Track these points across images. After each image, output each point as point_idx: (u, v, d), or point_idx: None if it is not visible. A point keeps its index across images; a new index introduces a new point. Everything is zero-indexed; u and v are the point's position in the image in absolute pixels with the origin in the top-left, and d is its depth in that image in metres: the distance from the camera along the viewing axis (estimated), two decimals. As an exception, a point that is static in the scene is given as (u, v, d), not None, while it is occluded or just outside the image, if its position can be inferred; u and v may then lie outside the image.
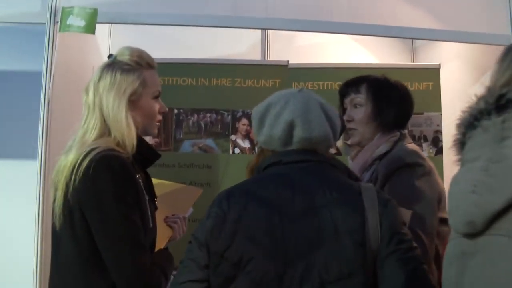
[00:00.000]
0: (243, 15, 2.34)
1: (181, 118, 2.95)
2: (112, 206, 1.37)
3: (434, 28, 2.47)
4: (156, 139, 2.83)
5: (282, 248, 1.21)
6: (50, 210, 1.48)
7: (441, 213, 1.68)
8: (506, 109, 0.98)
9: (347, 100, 1.83)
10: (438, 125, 2.95)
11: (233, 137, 2.94)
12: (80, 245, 1.40)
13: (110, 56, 1.59)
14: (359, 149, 1.81)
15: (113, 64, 1.54)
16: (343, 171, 1.35)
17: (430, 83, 2.98)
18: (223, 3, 2.36)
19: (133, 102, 1.52)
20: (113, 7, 2.28)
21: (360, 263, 1.18)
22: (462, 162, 1.04)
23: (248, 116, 2.90)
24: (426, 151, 2.91)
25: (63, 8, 2.17)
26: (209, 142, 2.94)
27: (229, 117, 2.95)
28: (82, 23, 2.13)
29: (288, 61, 2.99)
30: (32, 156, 2.20)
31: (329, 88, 2.90)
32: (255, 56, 3.34)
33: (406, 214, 1.30)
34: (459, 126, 1.07)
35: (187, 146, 2.94)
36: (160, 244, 1.57)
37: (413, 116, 1.90)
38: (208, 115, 2.96)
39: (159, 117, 1.62)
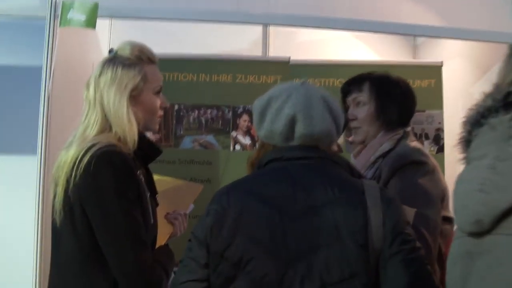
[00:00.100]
0: (245, 10, 2.32)
1: (181, 114, 2.94)
2: (113, 202, 1.37)
3: (436, 25, 2.45)
4: (157, 135, 2.81)
5: (282, 248, 1.19)
6: (50, 205, 1.47)
7: (444, 211, 1.67)
8: None
9: (349, 99, 1.82)
10: (439, 123, 2.94)
11: (233, 133, 2.92)
12: (81, 241, 1.39)
13: (111, 51, 1.58)
14: (362, 146, 1.81)
15: (114, 59, 1.53)
16: (346, 168, 1.32)
17: (432, 81, 2.96)
18: (224, -1, 2.35)
19: (134, 98, 1.51)
20: (114, 2, 2.26)
21: (362, 264, 1.16)
22: (468, 160, 1.03)
23: (249, 113, 2.89)
24: (427, 149, 2.89)
25: (63, 2, 2.15)
26: (210, 138, 2.93)
27: (230, 113, 2.94)
28: (82, 17, 2.11)
29: (289, 57, 2.98)
30: (32, 151, 2.18)
31: (331, 84, 2.89)
32: (256, 52, 3.32)
33: (409, 212, 1.29)
34: (464, 124, 1.06)
35: (187, 142, 2.93)
36: (160, 240, 1.57)
37: (414, 113, 1.89)
38: (209, 111, 2.94)
39: (161, 113, 1.61)
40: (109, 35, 3.20)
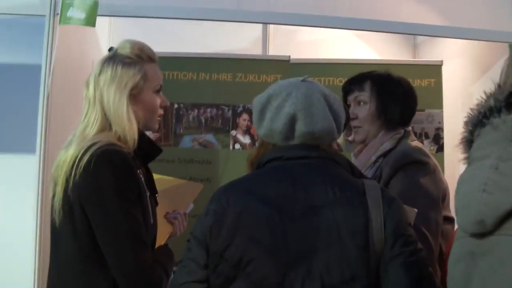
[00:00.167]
0: (246, 9, 2.32)
1: (181, 113, 2.94)
2: (113, 201, 1.36)
3: (436, 24, 2.45)
4: (156, 134, 2.80)
5: (283, 249, 1.17)
6: (49, 204, 1.46)
7: (445, 211, 1.67)
8: None
9: (350, 98, 1.82)
10: (439, 122, 2.94)
11: (233, 132, 2.92)
12: (80, 241, 1.39)
13: (110, 49, 1.57)
14: (363, 146, 1.80)
15: (113, 58, 1.52)
16: (346, 167, 1.30)
17: (432, 80, 2.96)
18: (225, -3, 2.34)
19: (134, 96, 1.50)
20: (113, 0, 2.26)
21: (363, 266, 1.15)
22: (470, 160, 1.03)
23: (248, 112, 2.89)
24: (427, 149, 2.88)
25: (63, 0, 2.15)
26: (209, 137, 2.92)
27: (230, 112, 2.93)
28: (82, 15, 2.10)
29: (289, 56, 2.98)
30: (31, 150, 2.17)
31: (330, 83, 2.88)
32: (256, 51, 3.32)
33: (411, 213, 1.28)
34: (466, 124, 1.05)
35: (187, 141, 2.92)
36: (160, 240, 1.56)
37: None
38: (209, 110, 2.94)
39: (161, 111, 1.60)
40: (108, 33, 3.19)
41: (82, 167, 1.37)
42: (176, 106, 2.93)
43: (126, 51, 1.53)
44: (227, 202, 1.23)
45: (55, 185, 1.44)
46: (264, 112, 1.32)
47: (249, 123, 2.89)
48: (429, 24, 2.44)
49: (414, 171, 1.63)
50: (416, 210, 1.31)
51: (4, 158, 2.74)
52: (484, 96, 1.03)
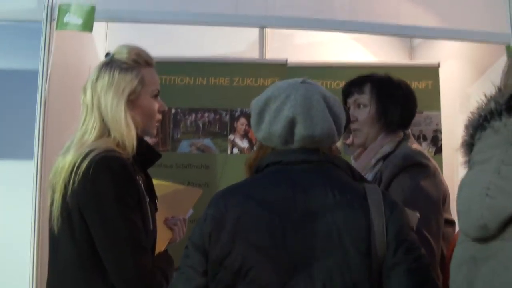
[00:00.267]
0: (243, 13, 2.31)
1: (178, 117, 2.93)
2: (112, 207, 1.35)
3: (433, 26, 2.45)
4: (154, 139, 2.79)
5: (283, 255, 1.15)
6: (47, 211, 1.45)
7: (445, 214, 1.66)
8: None
9: (350, 100, 1.81)
10: (437, 124, 2.94)
11: (231, 136, 2.91)
12: (79, 247, 1.38)
13: (107, 54, 1.56)
14: (362, 149, 1.80)
15: (110, 63, 1.52)
16: (347, 170, 1.28)
17: (429, 82, 2.96)
18: (222, 1, 2.34)
19: (132, 102, 1.50)
20: (110, 5, 2.25)
21: (365, 273, 1.13)
22: (471, 164, 1.02)
23: (246, 116, 2.88)
24: (425, 151, 2.89)
25: (60, 6, 2.14)
26: (207, 142, 2.91)
27: (227, 116, 2.93)
28: (79, 20, 2.10)
29: (286, 59, 2.97)
30: (28, 156, 2.16)
31: (328, 86, 2.88)
32: (253, 54, 3.32)
33: (413, 217, 1.26)
34: (467, 127, 1.04)
35: (184, 146, 2.91)
36: (160, 246, 1.55)
37: (413, 115, 1.88)
38: (206, 114, 2.93)
39: (159, 116, 1.59)
40: (105, 38, 3.19)
41: (81, 174, 1.36)
42: (173, 111, 2.92)
43: (123, 56, 1.52)
44: (226, 207, 1.21)
45: (53, 192, 1.43)
46: (262, 115, 1.29)
47: (247, 127, 2.88)
48: (426, 26, 2.44)
49: (415, 174, 1.62)
50: (418, 214, 1.30)
51: (0, 164, 2.72)
52: (484, 99, 1.02)
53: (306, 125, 1.24)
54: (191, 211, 1.78)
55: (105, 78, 1.49)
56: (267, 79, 2.92)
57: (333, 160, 1.28)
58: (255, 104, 1.32)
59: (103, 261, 1.36)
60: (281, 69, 2.93)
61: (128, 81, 1.49)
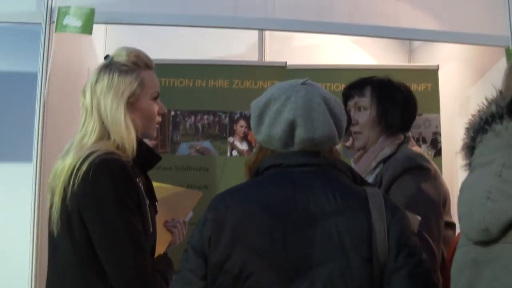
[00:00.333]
0: (242, 15, 2.32)
1: (178, 120, 2.92)
2: (112, 209, 1.35)
3: (433, 29, 2.45)
4: (153, 141, 2.79)
5: (284, 260, 1.13)
6: (46, 213, 1.45)
7: (446, 216, 1.66)
8: None
9: (350, 103, 1.81)
10: (436, 127, 2.94)
11: (230, 139, 2.91)
12: (79, 250, 1.38)
13: (106, 57, 1.56)
14: (362, 152, 1.80)
15: (110, 65, 1.51)
16: (348, 173, 1.26)
17: (429, 84, 2.96)
18: (222, 4, 2.34)
19: (131, 104, 1.49)
20: (109, 7, 2.25)
21: (366, 279, 1.12)
22: (472, 167, 1.02)
23: (246, 118, 2.88)
24: (424, 153, 2.89)
25: (59, 8, 2.14)
26: (207, 144, 2.91)
27: (227, 119, 2.92)
28: (78, 23, 2.10)
29: (286, 62, 2.98)
30: (27, 158, 2.16)
31: (327, 89, 2.86)
32: (252, 57, 3.32)
33: (414, 221, 1.26)
34: (468, 130, 1.04)
35: (184, 148, 2.91)
36: (160, 249, 1.55)
37: (413, 118, 1.87)
38: (206, 116, 2.93)
39: (159, 119, 1.59)
40: (104, 41, 3.19)
41: (80, 176, 1.35)
42: (173, 113, 2.92)
43: (122, 58, 1.52)
44: (225, 210, 1.19)
45: (53, 195, 1.42)
46: (262, 117, 1.26)
47: (246, 130, 2.88)
48: (426, 29, 2.45)
49: (416, 177, 1.62)
50: (419, 218, 1.30)
51: (0, 166, 2.72)
52: (485, 102, 1.02)
53: (307, 128, 1.22)
54: (191, 213, 1.78)
55: (104, 81, 1.48)
56: (267, 81, 2.93)
57: (334, 163, 1.26)
58: (255, 106, 1.30)
59: (102, 262, 1.36)
60: (281, 72, 2.93)
61: (128, 84, 1.49)
